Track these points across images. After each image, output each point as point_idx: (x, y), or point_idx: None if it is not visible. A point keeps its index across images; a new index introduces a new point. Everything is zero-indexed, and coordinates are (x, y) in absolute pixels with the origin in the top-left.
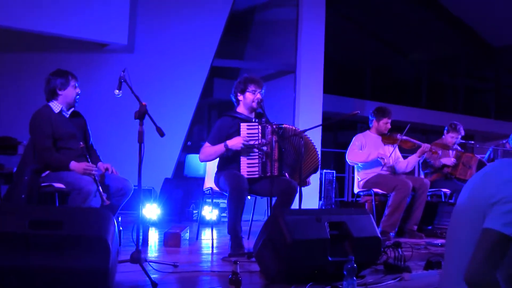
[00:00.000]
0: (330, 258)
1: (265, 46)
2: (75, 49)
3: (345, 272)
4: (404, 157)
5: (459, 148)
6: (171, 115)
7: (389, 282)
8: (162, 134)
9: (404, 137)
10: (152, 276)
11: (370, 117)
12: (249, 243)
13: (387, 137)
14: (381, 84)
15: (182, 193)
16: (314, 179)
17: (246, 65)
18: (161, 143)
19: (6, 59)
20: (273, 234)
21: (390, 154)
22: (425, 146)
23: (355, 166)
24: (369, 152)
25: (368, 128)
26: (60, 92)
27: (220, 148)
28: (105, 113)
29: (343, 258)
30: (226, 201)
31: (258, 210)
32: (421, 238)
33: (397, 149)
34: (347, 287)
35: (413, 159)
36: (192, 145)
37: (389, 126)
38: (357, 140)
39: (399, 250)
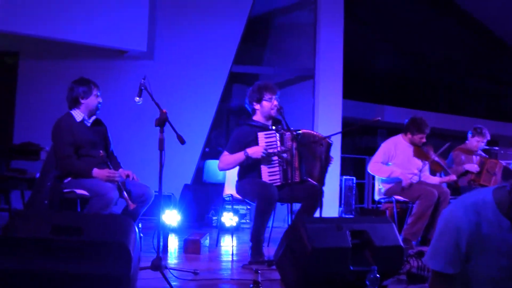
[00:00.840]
0: (351, 267)
1: (283, 51)
2: (95, 56)
3: (367, 282)
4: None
5: (483, 154)
6: (190, 122)
7: None
8: (182, 141)
9: (437, 159)
10: (173, 283)
11: (405, 123)
12: (269, 250)
13: (419, 151)
14: (400, 88)
15: (201, 199)
16: (334, 185)
17: (264, 71)
18: (181, 149)
19: (27, 66)
20: (294, 242)
21: (420, 172)
22: (452, 177)
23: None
24: (392, 170)
25: (401, 131)
26: (82, 101)
27: (240, 156)
28: (125, 119)
29: (365, 267)
30: (245, 207)
31: (278, 216)
32: None
33: (426, 166)
34: None
35: (435, 181)
36: (210, 151)
37: (424, 140)
38: (385, 149)
39: (423, 259)
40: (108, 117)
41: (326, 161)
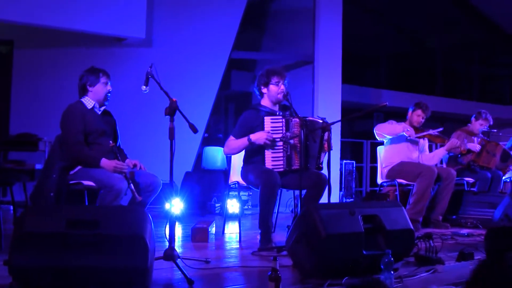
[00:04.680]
0: (364, 252)
1: (282, 37)
2: (92, 44)
3: (382, 266)
4: None
5: (483, 136)
6: (190, 109)
7: (423, 274)
8: (195, 130)
9: (433, 131)
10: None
11: (409, 109)
12: (275, 236)
13: (416, 130)
14: (397, 72)
15: (202, 186)
16: (334, 170)
17: (263, 57)
18: (181, 136)
19: (24, 56)
20: (307, 228)
21: (420, 152)
22: (454, 141)
23: (381, 151)
24: (395, 127)
25: (397, 115)
26: (90, 89)
27: (243, 142)
28: (123, 107)
29: (378, 251)
30: (247, 193)
31: (283, 202)
32: (447, 228)
33: (426, 143)
34: (384, 281)
35: (441, 152)
36: (209, 137)
37: (422, 120)
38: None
39: (431, 241)
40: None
41: (328, 146)
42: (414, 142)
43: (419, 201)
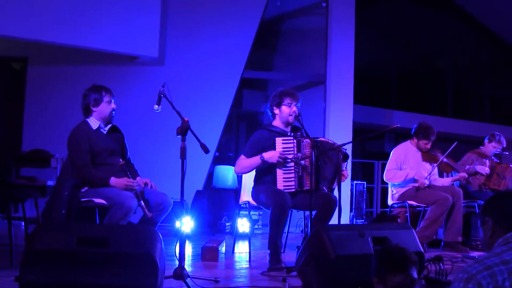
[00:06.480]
0: None
1: (294, 57)
2: (105, 62)
3: None
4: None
5: (494, 158)
6: (201, 127)
7: None
8: (206, 150)
9: (445, 160)
10: None
11: (412, 128)
12: (284, 256)
13: (428, 155)
14: (408, 93)
15: (213, 205)
16: (345, 190)
17: (275, 76)
18: (193, 155)
19: (37, 72)
20: (317, 249)
21: (429, 174)
22: (462, 175)
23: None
24: (407, 173)
25: (409, 136)
26: (93, 109)
27: (256, 160)
28: (135, 126)
29: None
30: (257, 213)
31: (293, 222)
32: (467, 252)
33: (436, 169)
34: None
35: (447, 183)
36: (220, 155)
37: (428, 146)
38: (396, 155)
39: (441, 264)
40: (118, 122)
41: (340, 170)
42: (425, 169)
43: (429, 227)
